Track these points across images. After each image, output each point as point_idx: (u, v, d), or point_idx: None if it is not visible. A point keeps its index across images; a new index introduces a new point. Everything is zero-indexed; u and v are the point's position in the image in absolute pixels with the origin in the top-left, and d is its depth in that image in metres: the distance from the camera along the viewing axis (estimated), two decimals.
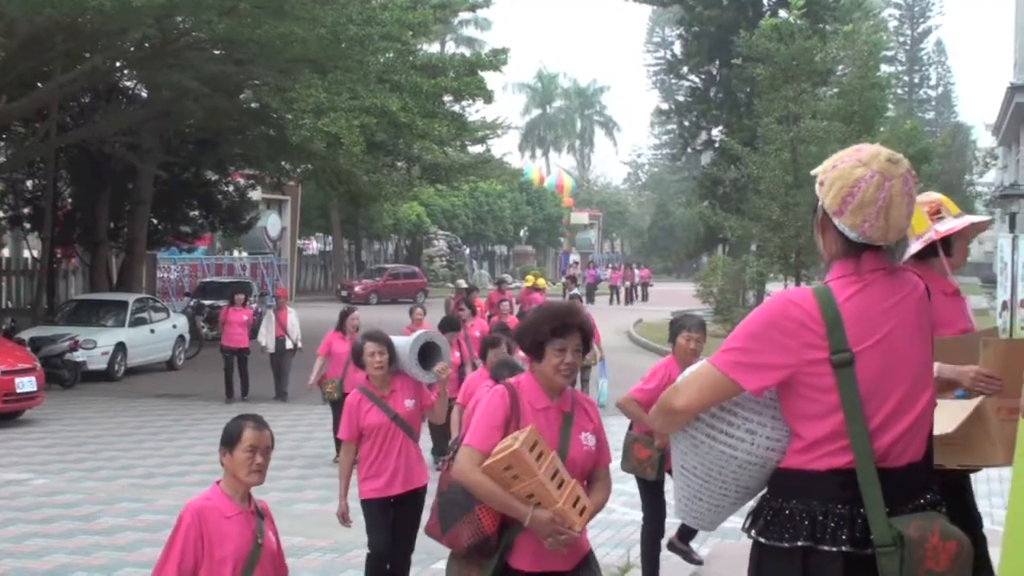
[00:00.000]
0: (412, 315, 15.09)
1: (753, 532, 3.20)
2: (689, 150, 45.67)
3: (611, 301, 50.38)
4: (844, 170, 3.14)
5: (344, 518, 7.00)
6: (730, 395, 3.17)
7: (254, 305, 28.80)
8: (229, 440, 4.54)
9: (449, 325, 12.85)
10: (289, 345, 18.12)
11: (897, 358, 3.10)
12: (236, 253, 44.24)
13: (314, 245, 60.02)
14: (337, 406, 12.07)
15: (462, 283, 26.38)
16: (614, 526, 9.98)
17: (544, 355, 4.36)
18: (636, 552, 8.82)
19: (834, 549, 3.01)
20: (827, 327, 3.07)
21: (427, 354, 7.10)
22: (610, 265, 65.71)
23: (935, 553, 2.96)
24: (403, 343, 7.06)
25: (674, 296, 49.23)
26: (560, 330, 4.33)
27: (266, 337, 18.13)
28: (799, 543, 3.05)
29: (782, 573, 3.12)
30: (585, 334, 4.39)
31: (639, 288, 53.95)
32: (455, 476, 4.36)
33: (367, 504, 6.96)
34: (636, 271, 56.26)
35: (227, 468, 4.56)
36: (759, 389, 3.14)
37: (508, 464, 4.15)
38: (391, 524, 6.97)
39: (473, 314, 15.53)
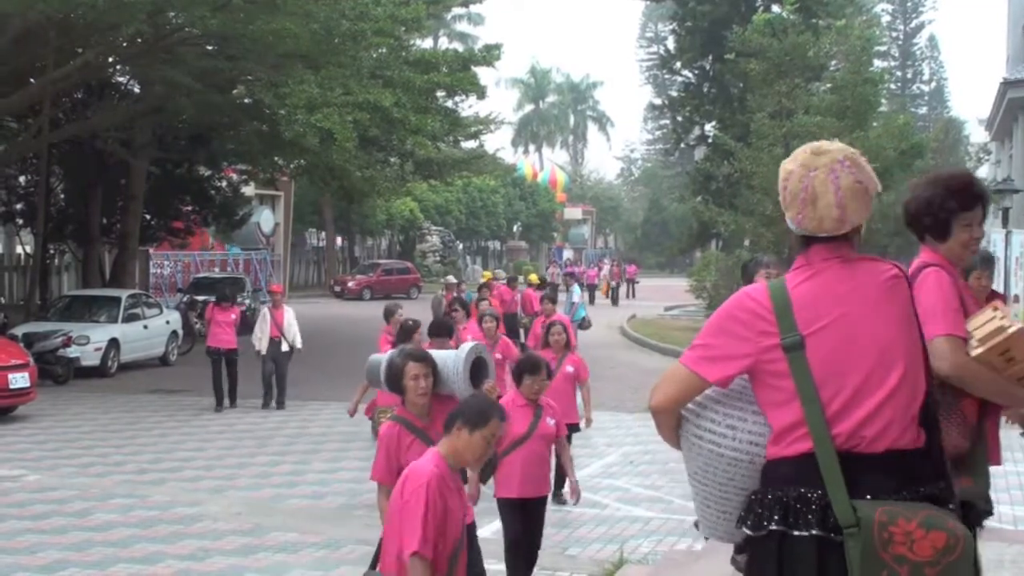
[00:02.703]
0: (391, 319, 12.89)
1: (740, 525, 3.26)
2: (682, 145, 45.71)
3: (591, 300, 44.49)
4: (781, 169, 3.30)
5: None
6: (698, 389, 3.25)
7: (248, 301, 28.83)
8: (476, 422, 4.54)
9: (441, 330, 9.50)
10: (286, 347, 16.80)
11: (853, 341, 3.12)
12: (228, 249, 44.22)
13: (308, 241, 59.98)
14: None
15: (452, 279, 24.64)
16: (607, 522, 10.00)
17: (951, 232, 4.09)
18: (629, 547, 8.85)
19: (806, 534, 3.04)
20: (777, 314, 3.16)
21: (473, 371, 5.98)
22: (578, 261, 62.34)
23: (908, 539, 2.96)
24: (446, 358, 5.91)
25: (664, 291, 49.24)
26: (969, 203, 4.09)
27: (260, 338, 16.77)
28: (773, 527, 3.10)
29: (761, 559, 3.19)
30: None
31: (628, 285, 51.26)
32: (954, 370, 3.72)
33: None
34: (609, 266, 53.01)
35: (459, 446, 4.57)
36: (722, 379, 3.21)
37: (1007, 347, 3.72)
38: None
39: (468, 316, 13.69)
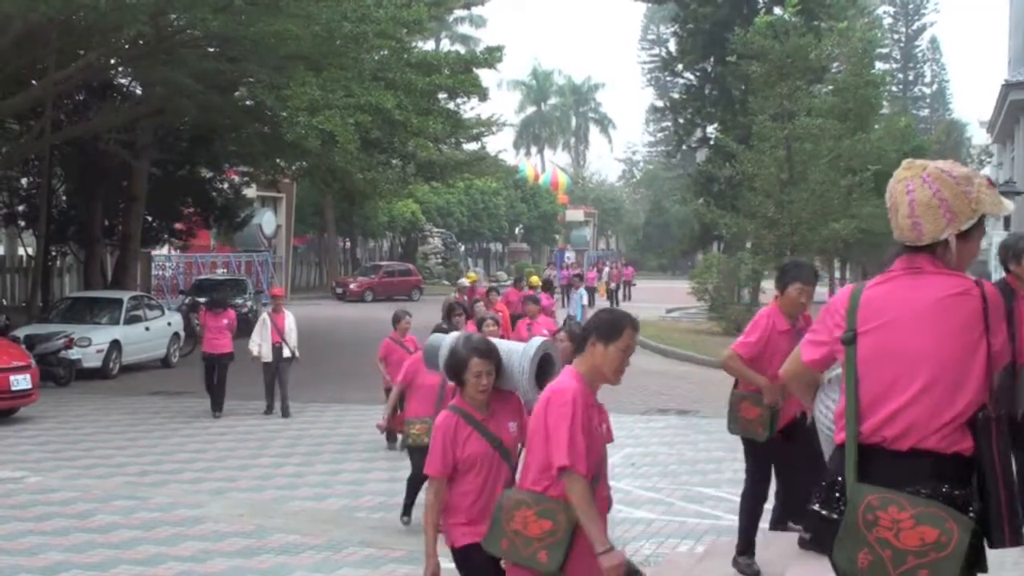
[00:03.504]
0: (399, 324, 12.93)
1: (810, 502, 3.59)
2: (684, 147, 45.68)
3: (592, 302, 43.54)
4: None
5: None
6: (801, 366, 3.72)
7: (250, 303, 28.84)
8: (609, 334, 4.55)
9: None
10: (287, 353, 16.20)
11: (894, 344, 3.37)
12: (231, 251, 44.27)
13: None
14: (422, 453, 10.13)
15: (465, 282, 24.11)
16: (609, 524, 9.94)
17: None
18: (631, 550, 8.83)
19: (834, 516, 3.37)
20: (847, 311, 3.50)
21: (539, 368, 5.60)
22: (570, 264, 60.85)
23: (894, 526, 3.20)
24: (512, 353, 5.51)
25: (663, 293, 49.11)
26: None
27: (260, 344, 16.19)
28: (814, 507, 3.47)
29: (808, 531, 3.75)
30: None
31: (624, 287, 49.73)
32: None
33: (465, 554, 5.29)
34: (609, 269, 51.69)
35: (596, 361, 4.56)
36: (811, 361, 3.65)
37: None
38: None
39: (468, 318, 13.35)
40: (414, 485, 9.58)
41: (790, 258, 7.33)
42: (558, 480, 4.41)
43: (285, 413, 16.30)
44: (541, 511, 4.47)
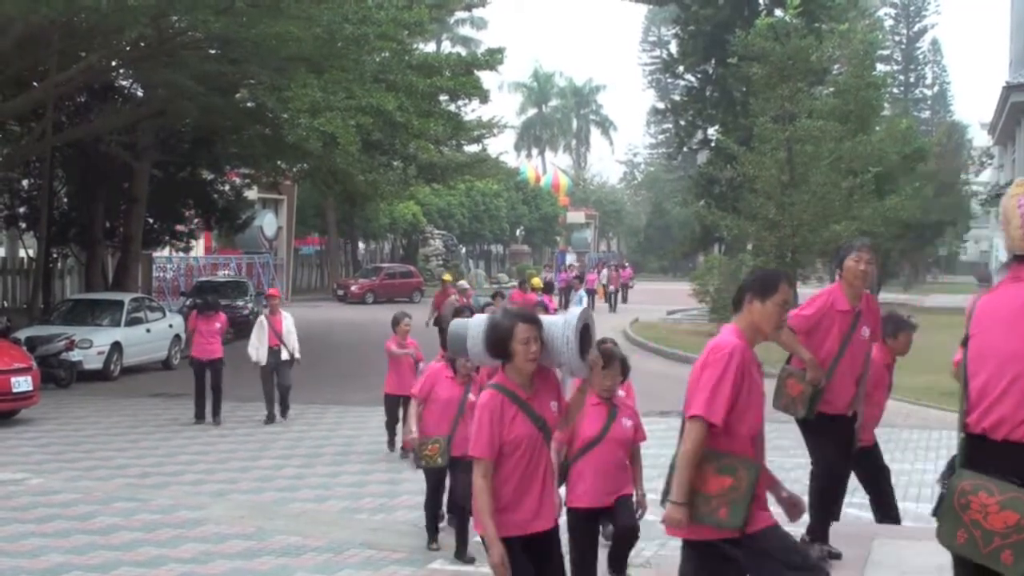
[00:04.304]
0: (398, 326, 12.98)
1: None
2: (685, 149, 45.76)
3: (591, 305, 42.39)
4: None
5: (504, 566, 4.83)
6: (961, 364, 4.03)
7: (251, 305, 28.83)
8: (765, 290, 4.69)
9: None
10: (285, 356, 15.55)
11: (990, 345, 3.84)
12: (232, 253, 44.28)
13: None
14: (436, 474, 8.85)
15: (465, 284, 23.69)
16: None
17: None
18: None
19: (942, 492, 3.93)
20: (967, 316, 4.00)
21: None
22: (569, 267, 59.72)
23: (983, 510, 3.65)
24: (553, 325, 5.13)
25: (661, 295, 48.98)
26: None
27: (257, 348, 15.51)
28: (938, 483, 4.21)
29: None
30: None
31: (622, 290, 48.25)
32: None
33: (505, 545, 4.95)
34: (608, 271, 50.26)
35: (754, 318, 4.71)
36: (957, 361, 4.27)
37: None
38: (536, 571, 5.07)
39: None
40: (432, 508, 9.04)
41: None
42: (729, 435, 4.50)
43: (283, 413, 15.89)
44: (720, 467, 4.51)
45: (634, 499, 7.04)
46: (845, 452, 6.82)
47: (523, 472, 4.95)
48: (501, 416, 4.91)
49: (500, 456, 4.92)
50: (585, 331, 5.09)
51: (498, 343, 5.00)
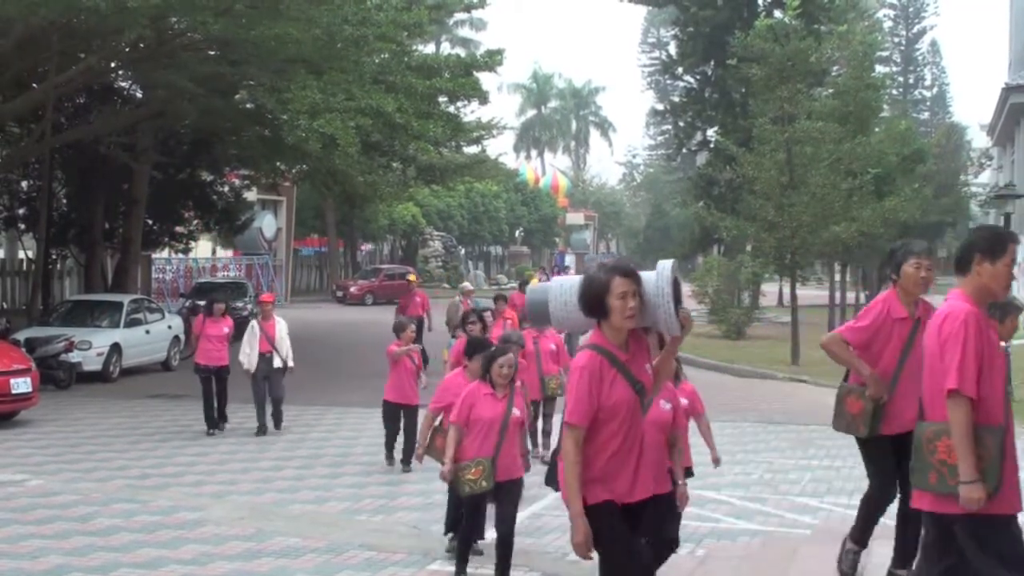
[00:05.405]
0: (401, 334, 12.56)
1: None
2: (684, 150, 45.81)
3: None
4: None
5: (588, 544, 4.61)
6: None
7: (251, 306, 28.82)
8: (994, 250, 4.60)
9: (481, 349, 8.43)
10: (278, 363, 14.87)
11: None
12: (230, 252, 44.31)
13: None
14: (476, 498, 7.86)
15: (468, 286, 23.05)
16: None
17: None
18: None
19: None
20: None
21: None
22: (567, 269, 59.60)
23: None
24: (646, 280, 4.88)
25: None
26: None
27: (248, 354, 14.80)
28: None
29: None
30: None
31: None
32: None
33: (599, 512, 4.66)
34: None
35: (984, 280, 4.64)
36: None
37: None
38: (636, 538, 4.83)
39: (485, 329, 11.81)
40: (470, 533, 8.12)
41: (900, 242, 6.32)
42: (955, 404, 4.44)
43: (277, 424, 15.17)
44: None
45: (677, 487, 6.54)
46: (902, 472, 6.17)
47: (621, 443, 4.67)
48: (600, 379, 4.60)
49: (595, 423, 4.62)
50: (676, 285, 4.87)
51: (594, 299, 4.72)
